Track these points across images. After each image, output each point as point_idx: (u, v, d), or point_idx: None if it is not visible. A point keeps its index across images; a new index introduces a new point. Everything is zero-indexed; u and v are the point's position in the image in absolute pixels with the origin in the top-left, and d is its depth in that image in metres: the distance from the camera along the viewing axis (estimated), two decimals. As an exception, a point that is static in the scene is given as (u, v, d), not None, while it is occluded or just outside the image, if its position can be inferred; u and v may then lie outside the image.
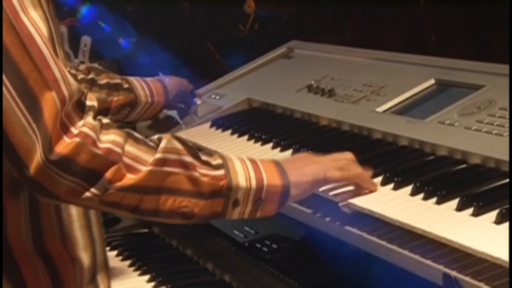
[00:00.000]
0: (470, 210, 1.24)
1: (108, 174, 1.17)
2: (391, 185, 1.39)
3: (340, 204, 1.36)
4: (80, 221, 1.34)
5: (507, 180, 1.33)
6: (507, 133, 1.43)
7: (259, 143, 1.81)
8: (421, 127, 1.60)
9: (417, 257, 1.23)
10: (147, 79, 2.03)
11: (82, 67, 1.96)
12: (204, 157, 1.27)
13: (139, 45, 2.73)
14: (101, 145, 1.17)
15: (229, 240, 1.85)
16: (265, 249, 1.78)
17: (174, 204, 1.22)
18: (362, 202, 1.35)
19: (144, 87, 1.98)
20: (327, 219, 1.43)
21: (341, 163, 1.36)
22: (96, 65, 2.29)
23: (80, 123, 1.17)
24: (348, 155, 1.39)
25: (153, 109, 2.01)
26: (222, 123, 2.01)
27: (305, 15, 2.67)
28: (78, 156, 1.16)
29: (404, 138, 1.60)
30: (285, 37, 2.47)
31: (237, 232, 1.86)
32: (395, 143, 1.62)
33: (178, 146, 1.24)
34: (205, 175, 1.24)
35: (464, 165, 1.44)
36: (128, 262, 1.88)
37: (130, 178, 1.19)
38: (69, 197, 1.19)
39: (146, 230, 2.10)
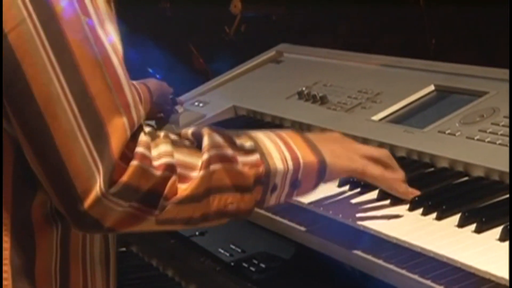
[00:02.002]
0: (473, 227, 1.25)
1: (166, 190, 1.14)
2: (388, 200, 1.40)
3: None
4: (101, 256, 1.27)
5: None
6: (512, 143, 1.44)
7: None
8: (420, 136, 1.62)
9: (415, 276, 1.24)
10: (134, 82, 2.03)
11: None
12: (238, 141, 1.23)
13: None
14: (157, 163, 1.13)
15: (214, 259, 1.85)
16: (252, 268, 1.78)
17: (219, 203, 1.20)
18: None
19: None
20: (320, 236, 1.43)
21: (382, 158, 1.35)
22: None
23: (132, 142, 1.11)
24: (385, 152, 1.39)
25: None
26: (206, 132, 2.01)
27: (295, 16, 2.68)
28: (140, 181, 1.11)
29: (402, 149, 1.61)
30: (274, 40, 2.48)
31: (222, 251, 1.86)
32: (393, 153, 1.62)
33: (219, 139, 1.20)
34: (244, 163, 1.21)
35: (466, 178, 1.45)
36: (104, 283, 1.87)
37: (183, 189, 1.15)
38: (123, 225, 1.13)
39: (124, 249, 2.10)
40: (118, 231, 1.18)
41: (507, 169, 1.38)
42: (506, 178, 1.38)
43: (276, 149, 1.25)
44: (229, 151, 1.20)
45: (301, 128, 1.90)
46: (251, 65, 2.38)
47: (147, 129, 1.16)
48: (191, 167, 1.16)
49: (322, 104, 1.94)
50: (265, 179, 1.23)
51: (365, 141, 1.71)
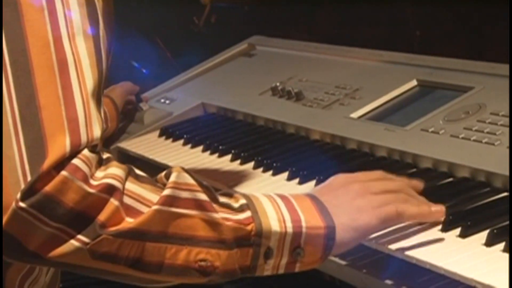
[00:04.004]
0: (457, 231, 1.25)
1: (102, 216, 1.06)
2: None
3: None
4: None
5: (499, 196, 1.36)
6: (499, 142, 1.45)
7: (216, 154, 1.82)
8: (402, 135, 1.62)
9: (397, 284, 1.25)
10: None
11: None
12: (222, 199, 1.16)
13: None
14: (95, 182, 1.07)
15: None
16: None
17: (188, 256, 1.11)
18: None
19: None
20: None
21: (405, 191, 1.27)
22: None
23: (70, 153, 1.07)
24: (402, 181, 1.30)
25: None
26: (173, 131, 2.01)
27: (269, 6, 2.68)
28: (65, 195, 1.05)
29: (383, 148, 1.62)
30: (246, 32, 2.48)
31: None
32: (372, 153, 1.64)
33: (191, 181, 1.14)
34: (227, 219, 1.13)
35: (450, 179, 1.47)
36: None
37: (128, 222, 1.08)
38: (48, 250, 1.06)
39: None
40: (45, 259, 1.08)
41: (493, 170, 1.40)
42: (493, 179, 1.39)
43: (273, 208, 1.17)
44: (203, 196, 1.13)
45: (275, 126, 1.90)
46: (221, 59, 2.39)
47: (106, 155, 1.12)
48: (144, 202, 1.10)
49: (297, 101, 1.94)
50: (255, 240, 1.14)
51: (343, 140, 1.72)
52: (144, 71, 2.17)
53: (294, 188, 1.56)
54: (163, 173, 1.16)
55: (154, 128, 2.08)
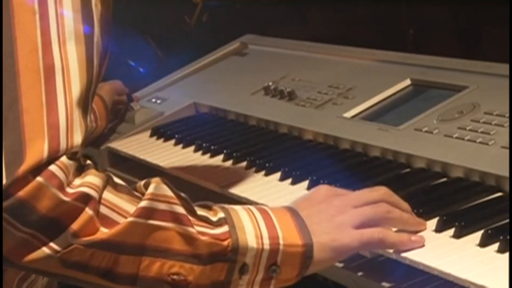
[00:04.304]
0: (451, 231, 1.26)
1: (75, 225, 1.06)
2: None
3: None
4: None
5: (493, 196, 1.36)
6: (493, 141, 1.46)
7: (208, 155, 1.81)
8: (395, 135, 1.63)
9: (392, 284, 1.25)
10: None
11: None
12: (200, 212, 1.15)
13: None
14: (70, 190, 1.07)
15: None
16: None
17: (162, 269, 1.10)
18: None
19: None
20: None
21: (388, 200, 1.25)
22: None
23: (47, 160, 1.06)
24: (383, 190, 1.27)
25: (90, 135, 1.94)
26: (164, 131, 2.01)
27: (261, 4, 2.68)
28: (38, 201, 1.05)
29: (376, 148, 1.62)
30: (238, 30, 2.48)
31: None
32: (366, 153, 1.64)
33: (169, 193, 1.13)
34: (203, 233, 1.13)
35: (444, 179, 1.47)
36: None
37: (103, 233, 1.07)
38: (18, 255, 1.06)
39: None
40: (16, 264, 1.08)
41: (487, 170, 1.40)
42: (487, 179, 1.40)
43: (252, 224, 1.16)
44: (180, 209, 1.12)
45: (267, 126, 1.90)
46: (213, 58, 2.38)
47: (87, 162, 1.12)
48: (120, 213, 1.10)
49: (290, 100, 1.94)
50: (230, 256, 1.13)
51: (336, 140, 1.72)
52: (141, 70, 2.17)
53: (286, 188, 1.56)
54: (142, 182, 1.15)
55: (145, 128, 2.08)
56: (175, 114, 2.11)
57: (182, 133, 1.96)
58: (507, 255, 1.17)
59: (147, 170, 1.82)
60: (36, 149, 1.06)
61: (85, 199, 1.07)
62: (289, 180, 1.57)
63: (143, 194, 1.13)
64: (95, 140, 2.02)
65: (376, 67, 1.96)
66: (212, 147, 1.82)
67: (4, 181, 1.04)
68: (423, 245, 1.24)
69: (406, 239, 1.24)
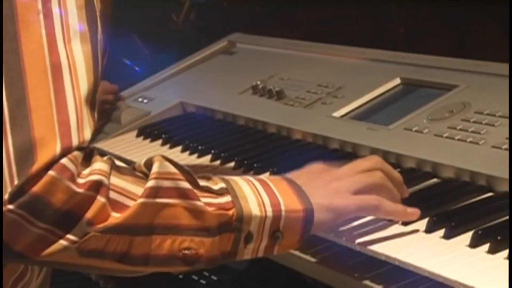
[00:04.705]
0: (441, 232, 1.26)
1: (89, 214, 1.08)
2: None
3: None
4: None
5: (484, 196, 1.36)
6: (484, 141, 1.46)
7: (195, 155, 1.82)
8: (385, 134, 1.63)
9: (380, 287, 1.25)
10: None
11: None
12: (202, 182, 1.18)
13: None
14: (82, 181, 1.08)
15: (161, 272, 1.84)
16: (203, 281, 1.78)
17: (173, 245, 1.13)
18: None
19: None
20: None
21: (385, 184, 1.28)
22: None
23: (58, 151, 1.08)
24: (375, 159, 1.33)
25: None
26: (151, 131, 2.01)
27: (249, 2, 2.68)
28: (53, 195, 1.07)
29: (365, 148, 1.63)
30: (226, 29, 2.48)
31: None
32: (355, 153, 1.65)
33: (173, 169, 1.15)
34: (209, 204, 1.15)
35: (434, 179, 1.47)
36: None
37: (115, 217, 1.10)
38: (35, 250, 1.08)
39: None
40: (32, 259, 1.10)
41: (478, 169, 1.40)
42: (478, 179, 1.40)
43: (253, 192, 1.19)
44: (186, 184, 1.15)
45: (255, 126, 1.90)
46: (200, 57, 2.38)
47: (89, 148, 1.13)
48: (129, 196, 1.12)
49: (278, 100, 1.95)
50: (236, 225, 1.16)
51: (325, 139, 1.72)
52: (137, 69, 2.17)
53: (275, 189, 1.56)
54: (142, 162, 1.18)
55: (132, 128, 2.08)
56: (162, 114, 2.11)
57: (169, 133, 1.96)
58: (497, 256, 1.17)
59: (134, 170, 1.82)
60: (49, 147, 1.08)
61: (96, 187, 1.09)
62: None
63: (144, 174, 1.15)
64: None
65: (366, 66, 1.97)
66: (199, 147, 1.82)
67: (15, 180, 1.06)
68: (418, 217, 1.28)
69: (401, 210, 1.27)
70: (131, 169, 1.17)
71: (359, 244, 1.28)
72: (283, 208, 1.19)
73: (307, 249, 1.37)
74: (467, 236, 1.23)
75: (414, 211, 1.29)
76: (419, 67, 1.84)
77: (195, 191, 1.16)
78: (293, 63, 2.11)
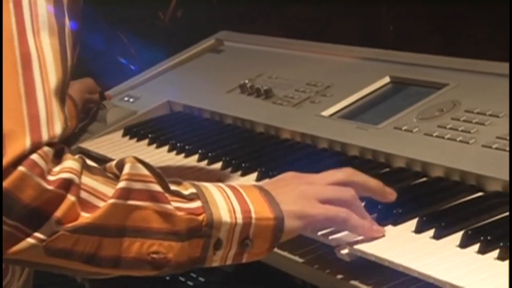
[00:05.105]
0: (431, 232, 1.26)
1: (59, 212, 1.07)
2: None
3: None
4: None
5: (474, 196, 1.37)
6: (474, 140, 1.46)
7: (182, 154, 1.81)
8: (374, 133, 1.63)
9: (370, 288, 1.26)
10: None
11: None
12: (172, 187, 1.18)
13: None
14: (52, 178, 1.08)
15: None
16: (190, 283, 1.78)
17: (141, 249, 1.13)
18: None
19: None
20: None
21: (356, 200, 1.27)
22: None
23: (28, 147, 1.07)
24: (347, 171, 1.31)
25: None
26: (137, 131, 2.01)
27: (237, 0, 2.68)
28: (22, 191, 1.06)
29: (355, 147, 1.63)
30: (213, 27, 2.48)
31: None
32: (344, 152, 1.65)
33: (144, 171, 1.15)
34: (179, 208, 1.15)
35: (424, 179, 1.48)
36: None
37: (85, 217, 1.09)
38: (1, 248, 1.07)
39: None
40: (4, 259, 1.10)
41: (468, 169, 1.41)
42: (468, 179, 1.41)
43: (224, 199, 1.19)
44: (157, 187, 1.15)
45: (243, 125, 1.90)
46: (187, 55, 2.38)
47: (60, 145, 1.13)
48: (100, 196, 1.11)
49: (266, 99, 1.95)
50: (206, 231, 1.16)
51: (314, 139, 1.72)
52: (132, 67, 2.16)
53: (263, 189, 1.56)
54: (113, 163, 1.17)
55: (118, 127, 2.07)
56: (149, 113, 2.11)
57: (155, 132, 1.96)
58: (487, 256, 1.18)
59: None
60: (18, 141, 1.07)
61: (67, 185, 1.09)
62: (266, 181, 1.57)
63: (115, 175, 1.15)
64: (65, 140, 2.01)
65: (355, 64, 1.97)
66: (186, 147, 1.82)
67: None
68: (383, 236, 1.28)
69: (368, 226, 1.27)
70: (102, 170, 1.16)
71: (348, 244, 1.28)
72: (253, 215, 1.19)
73: (295, 250, 1.38)
74: (457, 236, 1.23)
75: (380, 228, 1.29)
76: (408, 65, 1.85)
77: (166, 194, 1.15)
78: (282, 62, 2.11)
